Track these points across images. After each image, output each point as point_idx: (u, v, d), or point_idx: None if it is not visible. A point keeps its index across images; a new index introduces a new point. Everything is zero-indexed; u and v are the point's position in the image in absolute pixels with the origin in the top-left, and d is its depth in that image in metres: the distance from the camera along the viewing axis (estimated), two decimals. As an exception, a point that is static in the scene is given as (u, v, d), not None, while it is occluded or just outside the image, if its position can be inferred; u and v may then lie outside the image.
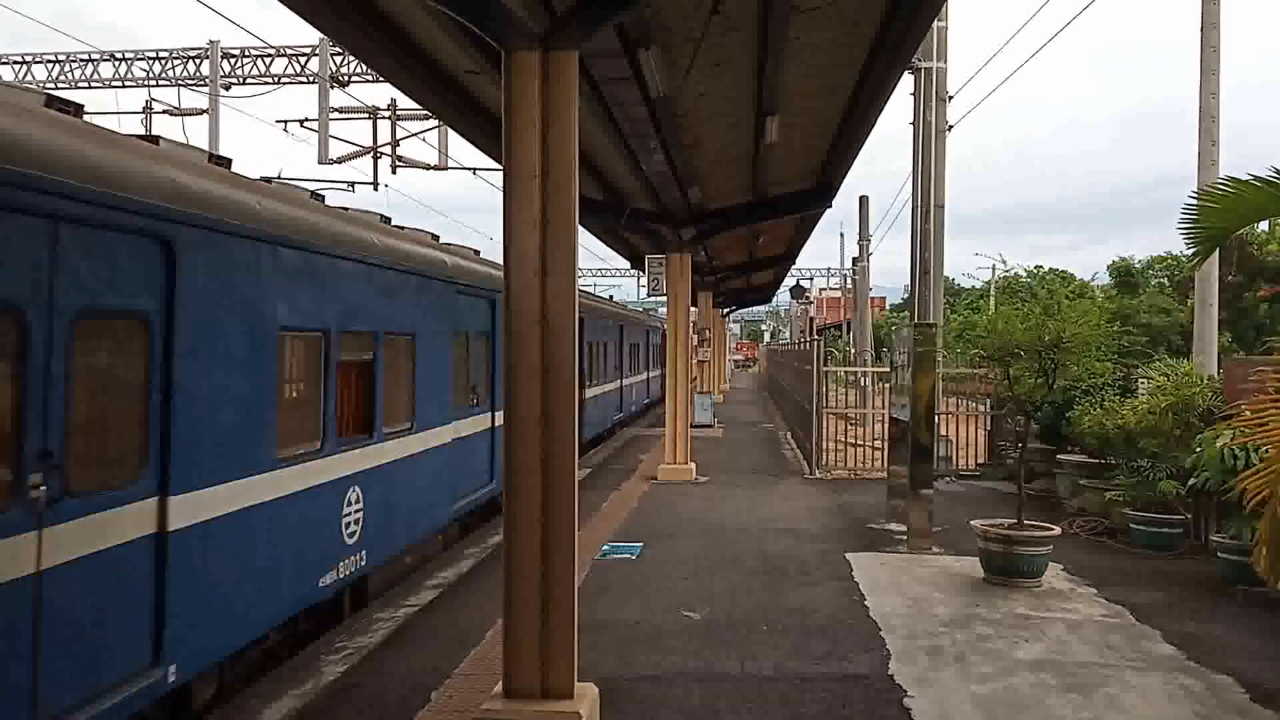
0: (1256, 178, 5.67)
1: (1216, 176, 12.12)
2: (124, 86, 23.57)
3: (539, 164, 5.48)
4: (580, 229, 6.04)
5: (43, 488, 4.55)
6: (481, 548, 10.82)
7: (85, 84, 23.44)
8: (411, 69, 8.38)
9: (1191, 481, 9.61)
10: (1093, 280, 54.94)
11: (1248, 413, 6.36)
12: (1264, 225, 34.42)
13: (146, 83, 23.41)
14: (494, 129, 9.87)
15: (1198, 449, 9.54)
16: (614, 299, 40.44)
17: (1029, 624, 7.79)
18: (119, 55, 23.40)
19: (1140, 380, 12.55)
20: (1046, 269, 65.74)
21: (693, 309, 25.51)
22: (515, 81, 5.48)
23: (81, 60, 23.40)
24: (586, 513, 12.17)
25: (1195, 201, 6.31)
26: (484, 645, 7.17)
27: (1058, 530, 9.42)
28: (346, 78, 22.08)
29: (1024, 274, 61.47)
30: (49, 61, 23.42)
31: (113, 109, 24.42)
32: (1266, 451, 5.85)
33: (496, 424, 11.86)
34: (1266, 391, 6.08)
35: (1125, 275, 47.07)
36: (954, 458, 16.62)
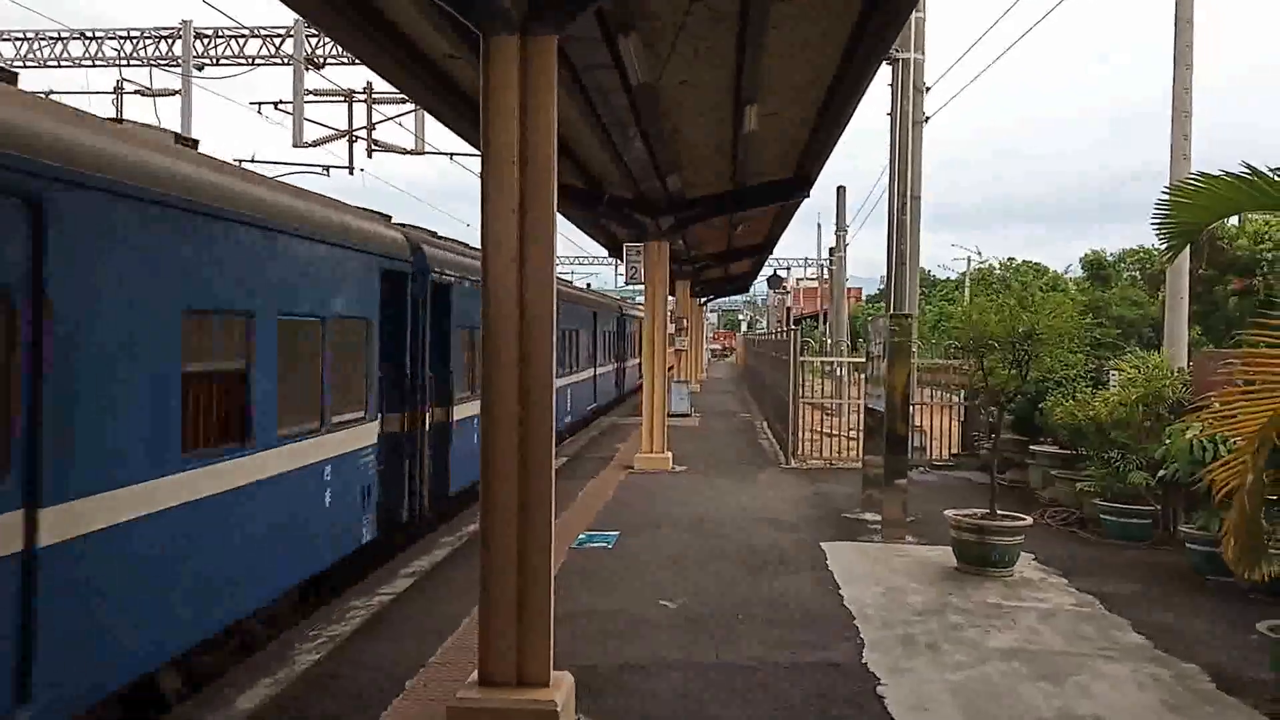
0: (1228, 173, 5.71)
1: (1189, 171, 12.23)
2: (94, 66, 23.25)
3: (518, 150, 5.44)
4: (559, 216, 6.01)
5: None
6: (457, 536, 10.79)
7: (55, 63, 23.10)
8: (390, 53, 8.31)
9: (1161, 473, 9.73)
10: (1066, 272, 55.45)
11: (1217, 405, 6.43)
12: (1234, 220, 34.82)
13: (117, 62, 23.09)
14: (472, 114, 9.84)
15: (1167, 441, 9.65)
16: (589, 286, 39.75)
17: (1001, 613, 7.86)
18: (89, 34, 23.06)
19: (1112, 372, 12.67)
20: (1020, 261, 66.27)
21: (670, 298, 25.54)
22: (494, 67, 5.44)
23: (50, 38, 23.04)
24: (563, 501, 12.13)
25: (1168, 196, 6.36)
26: (459, 634, 7.16)
27: (1029, 520, 9.51)
28: (322, 60, 21.89)
29: (997, 266, 61.95)
30: (17, 39, 23.04)
31: (83, 89, 24.09)
32: (1235, 443, 5.93)
33: (52, 543, 4.86)
34: (1235, 384, 6.16)
35: (1098, 268, 47.56)
36: (928, 448, 16.72)
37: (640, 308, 35.45)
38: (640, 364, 31.19)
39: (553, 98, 5.48)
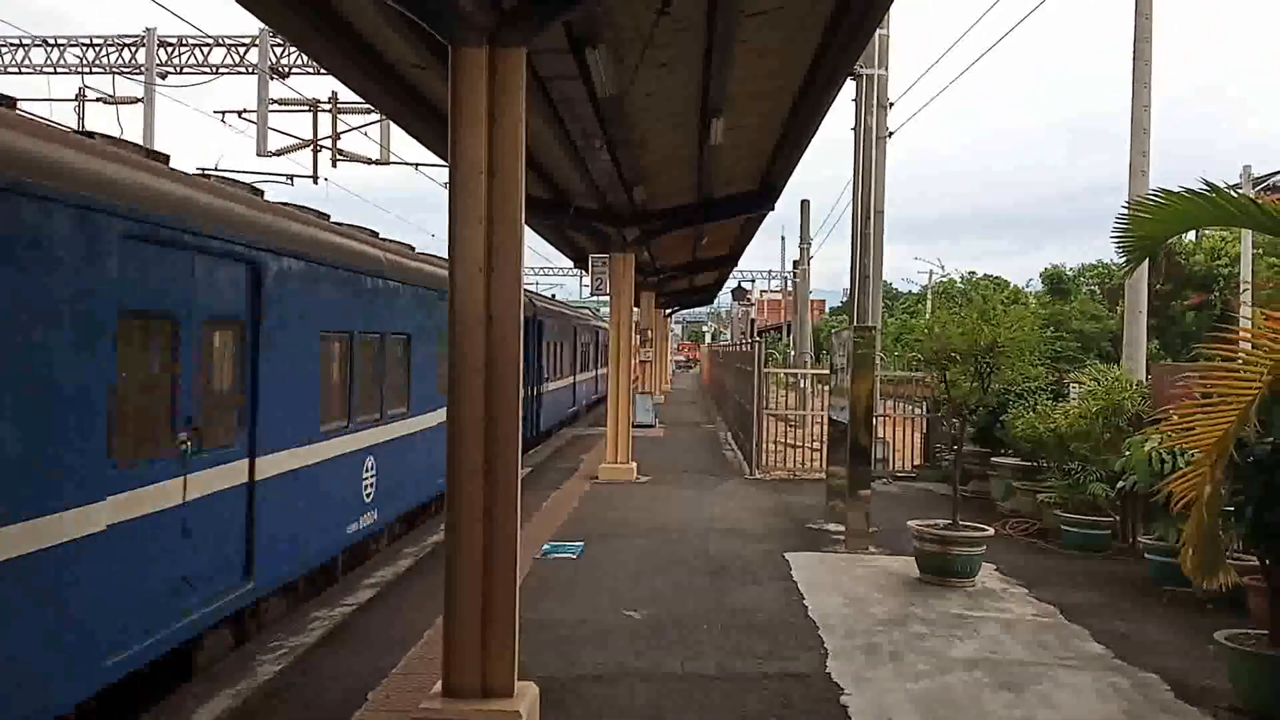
0: (1186, 189, 5.83)
1: (1147, 187, 12.45)
2: (56, 73, 22.93)
3: (485, 161, 5.44)
4: (525, 227, 6.01)
5: None
6: (420, 546, 10.72)
7: (16, 69, 22.77)
8: (357, 63, 8.27)
9: (1120, 484, 9.85)
10: (1028, 286, 56.23)
11: (1175, 418, 6.55)
12: (1191, 235, 35.54)
13: (80, 70, 22.79)
14: (439, 125, 9.81)
15: (1127, 453, 9.78)
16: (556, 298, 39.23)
17: (963, 623, 7.92)
18: (51, 41, 22.75)
19: (1072, 385, 12.84)
20: (980, 275, 67.07)
21: (635, 309, 25.57)
22: (462, 78, 5.44)
23: (12, 45, 22.71)
24: (527, 512, 12.06)
25: (1128, 211, 6.48)
26: (422, 644, 7.11)
27: (991, 531, 9.60)
28: (287, 69, 21.69)
29: (959, 280, 62.65)
30: (-23, 45, 22.68)
31: (44, 96, 23.76)
32: (1193, 455, 6.03)
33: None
34: (1193, 397, 6.26)
35: (1057, 282, 48.25)
36: (891, 459, 16.85)
37: (569, 306, 35.05)
38: (571, 387, 30.42)
39: (521, 109, 5.49)
